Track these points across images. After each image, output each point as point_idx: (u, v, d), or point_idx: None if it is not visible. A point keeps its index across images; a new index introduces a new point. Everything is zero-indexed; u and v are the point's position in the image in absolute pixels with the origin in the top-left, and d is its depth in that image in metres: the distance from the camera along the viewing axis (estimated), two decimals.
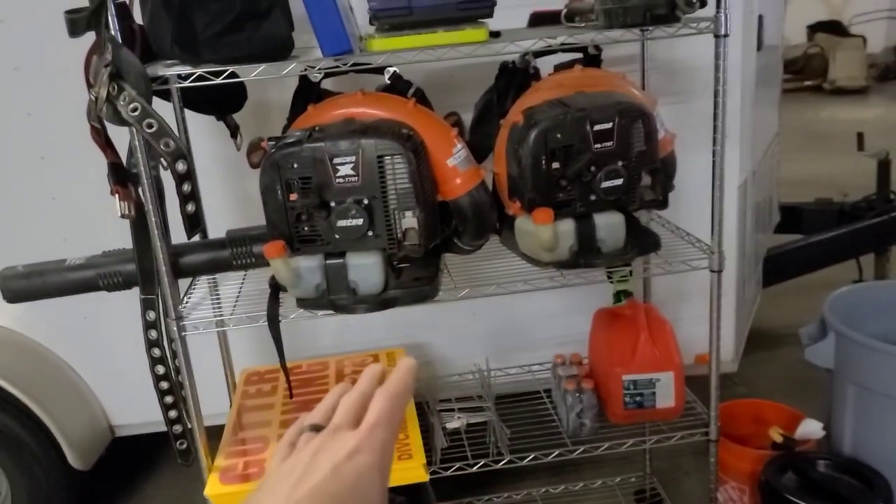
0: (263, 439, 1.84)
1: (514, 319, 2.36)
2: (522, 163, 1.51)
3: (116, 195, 1.52)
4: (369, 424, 0.52)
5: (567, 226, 1.55)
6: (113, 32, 1.37)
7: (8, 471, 2.23)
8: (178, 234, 1.60)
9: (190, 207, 1.54)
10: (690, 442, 1.91)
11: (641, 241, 1.65)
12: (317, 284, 1.49)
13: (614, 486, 2.42)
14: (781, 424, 2.19)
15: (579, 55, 1.76)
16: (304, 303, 1.53)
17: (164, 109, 1.46)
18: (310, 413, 0.57)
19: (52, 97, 2.05)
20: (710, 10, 1.54)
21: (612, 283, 1.87)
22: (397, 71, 1.56)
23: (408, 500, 1.92)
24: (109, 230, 1.62)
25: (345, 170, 1.41)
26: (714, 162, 1.67)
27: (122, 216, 1.53)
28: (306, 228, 1.45)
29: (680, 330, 1.94)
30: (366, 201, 1.42)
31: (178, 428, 1.67)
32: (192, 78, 1.41)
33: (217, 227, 1.79)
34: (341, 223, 1.42)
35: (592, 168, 1.51)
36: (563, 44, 1.57)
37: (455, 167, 1.51)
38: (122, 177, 1.52)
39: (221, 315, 1.65)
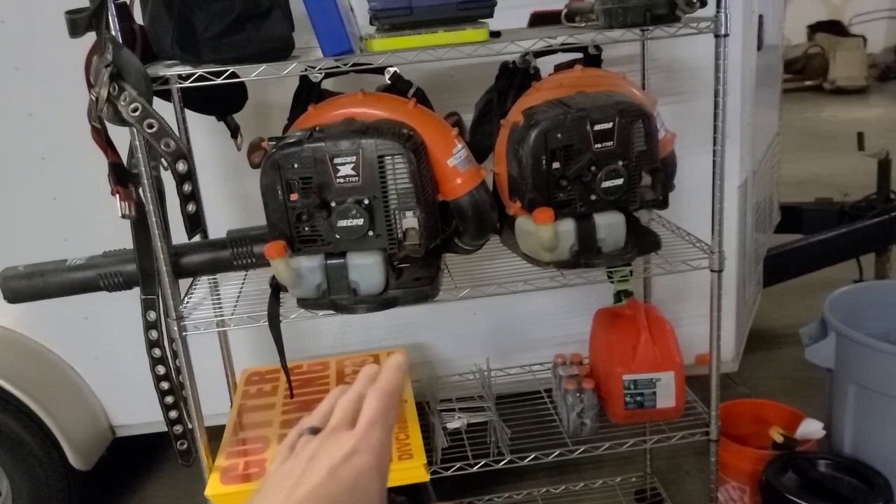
0: (264, 439, 1.84)
1: (515, 319, 2.36)
2: (523, 163, 1.51)
3: (117, 195, 1.53)
4: (365, 424, 0.52)
5: (567, 226, 1.55)
6: (113, 33, 1.37)
7: (9, 471, 2.23)
8: (179, 235, 1.60)
9: (190, 207, 1.54)
10: (691, 442, 1.91)
11: (642, 241, 1.65)
12: (317, 284, 1.49)
13: (615, 485, 2.42)
14: (782, 424, 2.19)
15: (579, 55, 1.76)
16: (304, 303, 1.53)
17: (164, 110, 1.46)
18: (309, 416, 0.57)
19: (53, 97, 2.05)
20: (710, 9, 1.54)
21: (612, 282, 1.87)
22: (398, 71, 1.56)
23: (408, 499, 1.92)
24: (110, 230, 1.62)
25: (345, 170, 1.41)
26: (714, 162, 1.67)
27: (123, 216, 1.54)
28: (307, 228, 1.45)
29: (680, 330, 1.94)
30: (366, 201, 1.42)
31: (178, 428, 1.67)
32: (192, 78, 1.41)
33: (218, 228, 1.79)
34: (342, 223, 1.43)
35: (593, 168, 1.51)
36: (563, 44, 1.57)
37: (455, 167, 1.51)
38: (122, 177, 1.53)
39: (222, 315, 1.65)
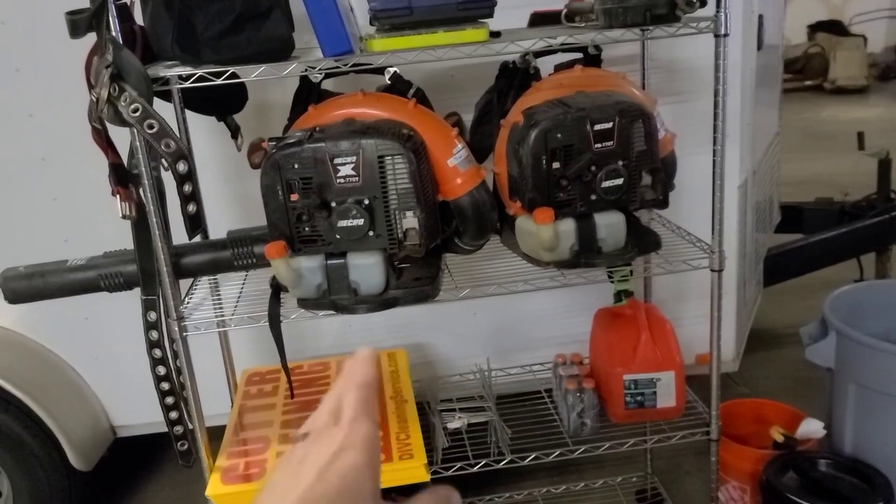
0: (265, 439, 1.84)
1: (515, 319, 2.36)
2: (523, 163, 1.51)
3: (117, 196, 1.53)
4: (348, 421, 0.51)
5: (567, 225, 1.55)
6: (114, 33, 1.37)
7: (9, 471, 2.23)
8: (179, 235, 1.61)
9: (191, 208, 1.54)
10: (691, 441, 1.91)
11: (642, 241, 1.65)
12: (318, 285, 1.49)
13: (615, 485, 2.42)
14: (782, 424, 2.19)
15: (579, 55, 1.76)
16: (305, 303, 1.53)
17: (164, 110, 1.46)
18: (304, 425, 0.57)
19: (54, 98, 2.05)
20: (710, 9, 1.54)
21: (612, 282, 1.87)
22: (398, 71, 1.56)
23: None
24: (111, 231, 1.62)
25: (345, 170, 1.41)
26: (714, 161, 1.67)
27: (124, 217, 1.54)
28: (307, 229, 1.45)
29: (681, 329, 1.94)
30: (366, 201, 1.43)
31: (178, 429, 1.67)
32: (192, 79, 1.41)
33: (218, 228, 1.79)
34: (342, 223, 1.43)
35: (593, 168, 1.51)
36: (563, 44, 1.57)
37: (455, 167, 1.52)
38: (123, 177, 1.53)
39: (223, 315, 1.65)
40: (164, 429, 1.68)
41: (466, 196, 1.53)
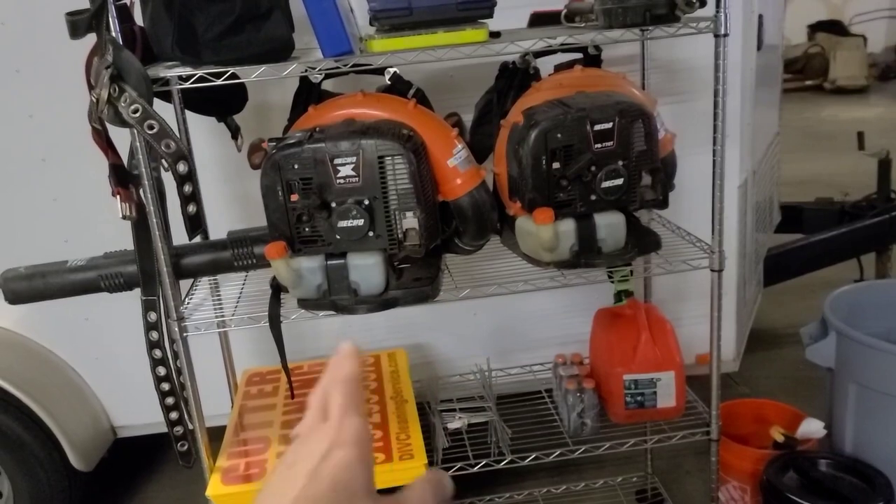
0: (265, 440, 1.84)
1: (515, 319, 2.36)
2: (523, 163, 1.51)
3: (118, 196, 1.53)
4: (336, 418, 0.51)
5: (567, 226, 1.55)
6: (114, 34, 1.37)
7: (10, 472, 2.24)
8: (180, 236, 1.61)
9: (191, 208, 1.54)
10: (692, 441, 1.91)
11: (642, 241, 1.65)
12: (318, 285, 1.50)
13: (616, 485, 2.42)
14: (783, 424, 2.19)
15: (579, 55, 1.76)
16: (305, 303, 1.53)
17: (165, 111, 1.46)
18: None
19: (54, 99, 2.05)
20: (709, 9, 1.54)
21: (612, 282, 1.87)
22: (397, 72, 1.56)
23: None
24: (111, 231, 1.62)
25: (345, 170, 1.41)
26: (714, 161, 1.67)
27: (124, 217, 1.54)
28: (307, 229, 1.45)
29: (681, 330, 1.94)
30: (366, 202, 1.43)
31: (179, 429, 1.67)
32: (192, 79, 1.42)
33: (218, 228, 1.80)
34: (342, 224, 1.43)
35: (593, 168, 1.51)
36: (563, 44, 1.57)
37: (455, 167, 1.52)
38: (123, 178, 1.53)
39: (223, 316, 1.65)
40: (165, 429, 1.68)
41: (466, 196, 1.53)
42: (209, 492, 1.67)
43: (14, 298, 1.62)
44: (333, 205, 1.42)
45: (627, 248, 1.60)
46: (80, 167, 2.03)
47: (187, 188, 1.49)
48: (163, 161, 1.45)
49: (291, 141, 1.43)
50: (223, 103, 1.73)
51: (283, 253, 1.42)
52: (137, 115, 1.35)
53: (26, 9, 2.02)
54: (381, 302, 1.50)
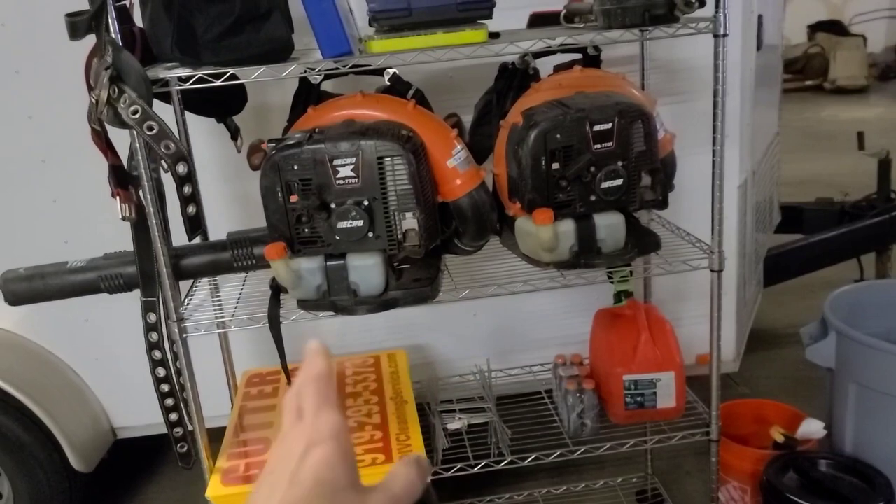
0: (265, 441, 1.84)
1: (515, 320, 2.36)
2: (522, 163, 1.51)
3: (117, 197, 1.53)
4: (310, 415, 0.51)
5: (567, 226, 1.55)
6: (113, 35, 1.37)
7: (10, 473, 2.24)
8: (179, 236, 1.61)
9: (191, 209, 1.54)
10: (692, 442, 1.91)
11: (642, 241, 1.65)
12: (317, 286, 1.50)
13: (616, 486, 2.42)
14: (783, 424, 2.19)
15: (579, 56, 1.77)
16: (304, 304, 1.53)
17: (164, 112, 1.46)
18: None
19: (53, 100, 2.05)
20: (709, 9, 1.54)
21: (612, 283, 1.87)
22: (397, 72, 1.56)
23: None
24: (110, 232, 1.62)
25: (345, 171, 1.41)
26: (714, 162, 1.67)
27: (123, 218, 1.54)
28: (307, 230, 1.45)
29: (681, 330, 1.94)
30: (366, 202, 1.43)
31: (178, 431, 1.67)
32: (192, 80, 1.42)
33: (218, 229, 1.79)
34: (342, 224, 1.43)
35: (592, 168, 1.51)
36: (562, 44, 1.57)
37: (455, 168, 1.52)
38: (122, 179, 1.53)
39: (223, 317, 1.65)
40: (165, 430, 1.68)
41: (466, 197, 1.53)
42: (209, 493, 1.67)
43: (14, 299, 1.62)
44: (333, 205, 1.42)
45: (627, 248, 1.60)
46: (79, 168, 2.03)
47: (187, 189, 1.49)
48: (162, 162, 1.45)
49: (291, 142, 1.43)
50: (223, 104, 1.73)
51: (283, 254, 1.42)
52: (137, 116, 1.35)
53: (26, 10, 2.02)
54: (381, 303, 1.50)
